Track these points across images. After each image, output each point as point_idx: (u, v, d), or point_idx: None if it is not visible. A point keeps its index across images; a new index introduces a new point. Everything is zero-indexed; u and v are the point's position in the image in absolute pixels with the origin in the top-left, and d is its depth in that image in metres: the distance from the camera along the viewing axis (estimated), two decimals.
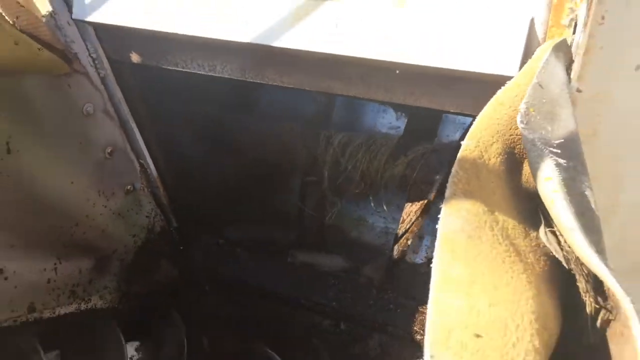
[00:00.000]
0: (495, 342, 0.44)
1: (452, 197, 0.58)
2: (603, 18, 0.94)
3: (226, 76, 1.26)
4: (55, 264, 1.46)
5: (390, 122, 2.16)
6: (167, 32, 1.20)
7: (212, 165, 1.79)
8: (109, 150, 1.50)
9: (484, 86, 0.88)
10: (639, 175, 1.13)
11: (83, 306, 1.59)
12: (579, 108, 1.09)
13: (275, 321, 1.77)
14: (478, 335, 0.44)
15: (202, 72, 1.29)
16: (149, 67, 1.38)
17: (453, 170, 0.62)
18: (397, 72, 1.03)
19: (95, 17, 1.27)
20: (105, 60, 1.42)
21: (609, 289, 0.55)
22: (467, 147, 0.66)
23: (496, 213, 0.61)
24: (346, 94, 1.17)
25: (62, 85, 1.33)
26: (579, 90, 0.95)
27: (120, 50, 1.38)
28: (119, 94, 1.48)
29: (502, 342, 0.44)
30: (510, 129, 0.74)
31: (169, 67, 1.34)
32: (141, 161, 1.60)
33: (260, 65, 1.20)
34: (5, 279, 1.34)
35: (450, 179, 0.61)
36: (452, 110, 1.08)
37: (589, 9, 0.82)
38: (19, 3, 1.20)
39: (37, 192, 1.34)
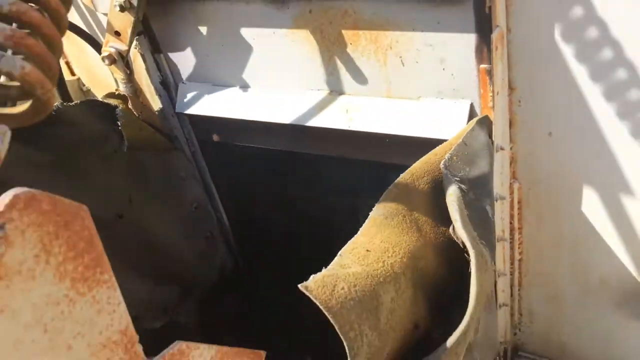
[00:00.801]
0: (377, 254, 0.88)
1: (383, 200, 1.05)
2: (520, 101, 1.41)
3: (277, 148, 1.80)
4: (153, 287, 1.98)
5: None
6: (237, 118, 1.76)
7: (275, 218, 2.29)
8: (194, 205, 2.05)
9: None
10: (575, 216, 1.53)
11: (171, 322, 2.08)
12: (519, 165, 1.53)
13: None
14: (368, 250, 0.88)
15: (262, 146, 1.84)
16: (225, 144, 1.95)
17: (389, 187, 1.09)
18: (387, 140, 1.52)
19: (190, 111, 1.86)
20: (195, 140, 2.00)
21: (468, 247, 0.99)
22: (403, 177, 1.13)
23: (414, 212, 1.07)
24: (358, 157, 1.67)
25: (166, 158, 1.91)
26: (502, 148, 1.40)
27: (205, 132, 1.96)
28: (203, 164, 2.05)
29: (382, 255, 0.88)
30: (439, 169, 1.21)
31: (239, 143, 1.90)
32: (218, 214, 2.14)
33: (299, 139, 1.73)
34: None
35: (385, 192, 1.08)
36: None
37: (494, 97, 1.30)
38: (142, 103, 1.81)
39: (146, 233, 1.89)
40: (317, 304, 0.75)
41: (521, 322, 1.85)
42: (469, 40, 1.32)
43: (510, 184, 1.55)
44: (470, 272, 1.06)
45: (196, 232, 2.08)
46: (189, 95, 1.86)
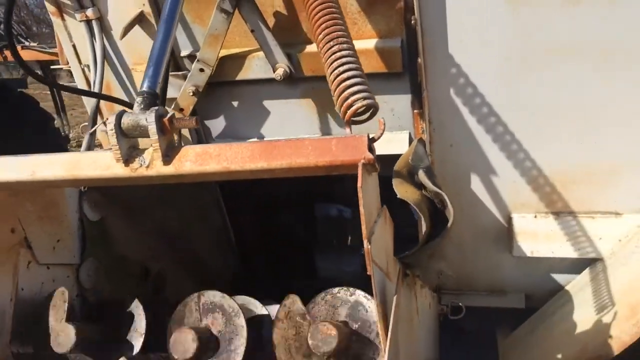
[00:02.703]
0: (409, 192, 1.92)
1: (394, 177, 2.09)
2: (434, 130, 2.57)
3: None
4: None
5: None
6: None
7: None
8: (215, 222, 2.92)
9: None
10: (468, 192, 2.69)
11: None
12: (436, 165, 2.67)
13: None
14: (407, 191, 1.92)
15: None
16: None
17: (394, 171, 2.14)
18: None
19: None
20: None
21: (441, 196, 2.06)
22: (395, 167, 2.20)
23: (404, 183, 2.13)
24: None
25: (202, 188, 2.78)
26: (429, 155, 2.53)
27: None
28: (219, 192, 2.94)
29: (413, 193, 1.92)
30: (409, 164, 2.29)
31: None
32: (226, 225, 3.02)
33: None
34: None
35: (393, 174, 2.12)
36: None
37: (425, 127, 2.43)
38: None
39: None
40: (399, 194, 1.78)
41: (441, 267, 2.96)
42: (408, 98, 2.46)
43: None
44: (440, 210, 2.14)
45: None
46: None
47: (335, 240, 3.14)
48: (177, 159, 1.42)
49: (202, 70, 2.46)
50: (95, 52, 2.64)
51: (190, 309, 1.87)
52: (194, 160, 1.42)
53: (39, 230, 1.88)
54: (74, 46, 2.74)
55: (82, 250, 2.05)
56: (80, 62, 2.78)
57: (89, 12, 2.58)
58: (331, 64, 1.56)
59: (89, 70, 2.72)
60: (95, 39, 2.64)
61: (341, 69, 1.55)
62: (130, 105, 2.75)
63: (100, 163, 1.46)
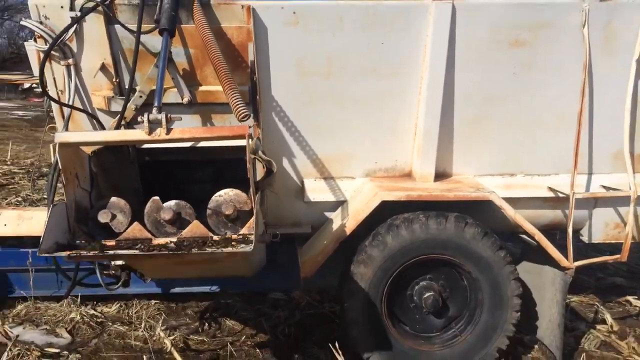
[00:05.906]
0: None
1: (248, 152, 4.37)
2: (263, 129, 4.92)
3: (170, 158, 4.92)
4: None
5: None
6: (161, 147, 4.81)
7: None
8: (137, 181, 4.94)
9: None
10: (282, 166, 5.06)
11: None
12: (270, 152, 5.02)
13: None
14: None
15: (166, 158, 4.92)
16: (151, 160, 4.93)
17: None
18: (224, 150, 4.85)
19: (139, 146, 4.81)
20: (136, 159, 4.92)
21: (270, 161, 4.38)
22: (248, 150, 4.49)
23: (252, 155, 4.43)
24: (219, 158, 4.93)
25: (131, 165, 4.81)
26: (262, 145, 4.85)
27: (143, 155, 4.91)
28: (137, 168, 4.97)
29: None
30: (253, 147, 4.60)
31: (159, 159, 4.92)
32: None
33: (180, 152, 4.90)
34: None
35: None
36: None
37: (260, 130, 4.78)
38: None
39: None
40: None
41: (268, 212, 5.29)
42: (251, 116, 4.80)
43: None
44: (269, 169, 4.48)
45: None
46: None
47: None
48: (172, 132, 3.58)
49: (141, 96, 4.54)
50: (70, 84, 4.57)
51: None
52: (179, 133, 3.59)
53: (79, 171, 3.84)
54: (54, 78, 4.62)
55: (91, 185, 4.02)
56: (56, 88, 4.66)
57: (70, 61, 4.52)
58: (228, 92, 3.83)
59: (62, 93, 4.63)
60: (71, 77, 4.57)
61: (234, 96, 3.83)
62: (90, 115, 4.68)
63: (136, 134, 3.56)
